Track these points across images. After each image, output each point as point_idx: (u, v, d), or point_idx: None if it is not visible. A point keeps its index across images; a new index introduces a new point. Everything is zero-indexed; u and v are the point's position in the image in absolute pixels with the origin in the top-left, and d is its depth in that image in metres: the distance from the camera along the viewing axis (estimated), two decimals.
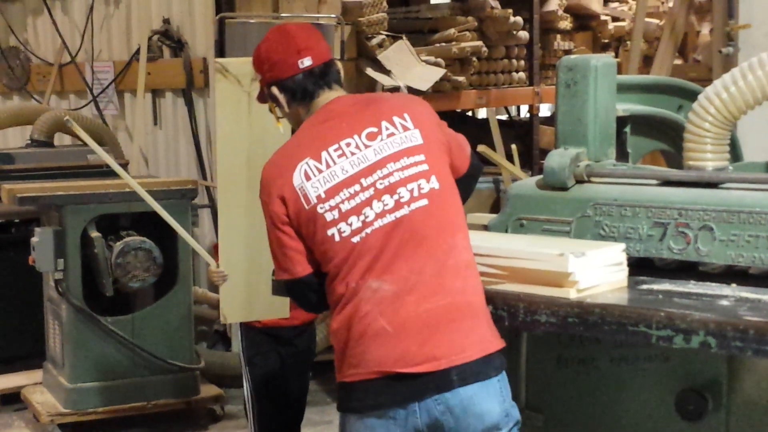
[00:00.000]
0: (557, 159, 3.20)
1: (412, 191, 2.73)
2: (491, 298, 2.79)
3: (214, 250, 4.11)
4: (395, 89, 6.32)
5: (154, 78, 7.28)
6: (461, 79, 7.23)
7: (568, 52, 9.01)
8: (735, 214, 2.85)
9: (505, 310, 2.79)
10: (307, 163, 2.75)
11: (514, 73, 8.16)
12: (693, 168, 3.11)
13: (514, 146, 7.27)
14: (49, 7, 7.78)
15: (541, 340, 3.20)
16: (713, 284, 2.82)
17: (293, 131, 3.48)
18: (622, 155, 3.44)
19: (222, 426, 5.79)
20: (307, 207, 2.73)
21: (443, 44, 7.25)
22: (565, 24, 9.23)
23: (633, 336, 2.59)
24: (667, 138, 3.75)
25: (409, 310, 2.67)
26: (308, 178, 2.74)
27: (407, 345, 2.65)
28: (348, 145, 2.76)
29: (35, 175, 6.19)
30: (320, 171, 2.74)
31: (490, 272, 2.86)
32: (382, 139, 2.76)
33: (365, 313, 2.68)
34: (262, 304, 3.75)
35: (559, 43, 9.20)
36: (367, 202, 2.71)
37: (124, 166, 6.64)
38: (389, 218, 2.70)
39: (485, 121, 8.45)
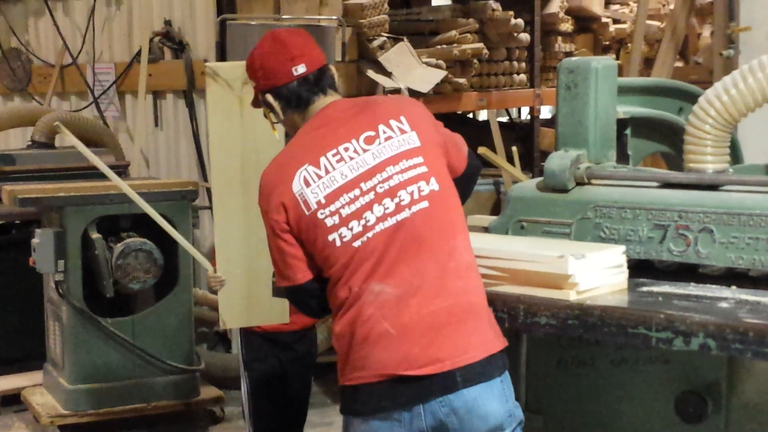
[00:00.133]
0: (558, 161, 3.20)
1: (412, 194, 2.73)
2: (491, 299, 2.79)
3: (213, 254, 4.10)
4: (396, 91, 6.33)
5: (156, 79, 7.28)
6: (462, 81, 7.23)
7: (569, 54, 9.02)
8: (735, 216, 2.85)
9: (505, 312, 2.79)
10: (306, 169, 2.75)
11: (515, 75, 8.17)
12: (693, 170, 3.11)
13: (514, 148, 7.27)
14: (51, 9, 7.78)
15: (541, 342, 3.20)
16: (713, 286, 2.82)
17: (288, 136, 3.48)
18: (622, 157, 3.45)
19: (222, 427, 5.79)
20: (307, 213, 2.73)
21: (444, 46, 7.26)
22: (566, 26, 9.23)
23: (633, 338, 2.59)
24: (667, 140, 3.75)
25: (412, 313, 2.67)
26: (308, 185, 2.74)
27: (411, 347, 2.66)
28: (346, 149, 2.76)
29: (36, 176, 6.19)
30: (319, 177, 2.74)
31: (490, 274, 2.86)
32: (380, 143, 2.76)
33: (368, 316, 2.68)
34: (262, 309, 3.74)
35: (560, 45, 9.20)
36: (368, 206, 2.71)
37: (125, 167, 6.67)
38: (390, 221, 2.71)
39: (486, 123, 8.46)
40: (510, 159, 7.24)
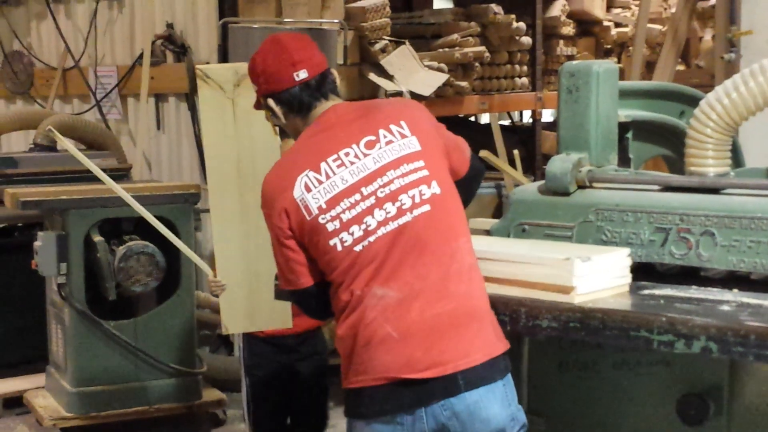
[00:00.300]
0: (559, 164, 3.21)
1: (413, 197, 2.73)
2: (493, 302, 2.79)
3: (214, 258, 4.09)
4: (398, 94, 6.34)
5: (158, 82, 7.29)
6: (464, 84, 7.24)
7: (570, 57, 9.04)
8: (736, 219, 2.85)
9: (507, 315, 2.79)
10: (307, 175, 2.76)
11: (516, 79, 8.18)
12: (695, 174, 3.12)
13: (516, 151, 7.28)
14: (53, 12, 7.80)
15: (543, 344, 3.20)
16: (715, 289, 2.82)
17: (283, 135, 3.48)
18: (624, 161, 3.45)
19: (224, 430, 5.79)
20: (308, 218, 2.74)
21: (446, 49, 7.27)
22: (568, 30, 9.25)
23: (634, 341, 2.60)
24: (668, 144, 3.76)
25: (414, 316, 2.67)
26: (309, 190, 2.74)
27: (413, 351, 2.66)
28: (347, 154, 2.76)
29: (38, 179, 6.20)
30: (320, 182, 2.74)
31: (495, 277, 2.86)
32: (380, 147, 2.76)
33: (371, 320, 2.69)
34: (264, 314, 3.73)
35: (562, 48, 9.22)
36: (368, 211, 2.72)
37: (127, 170, 6.68)
38: (392, 225, 2.71)
39: (488, 126, 8.46)
40: (512, 162, 7.24)
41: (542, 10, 8.38)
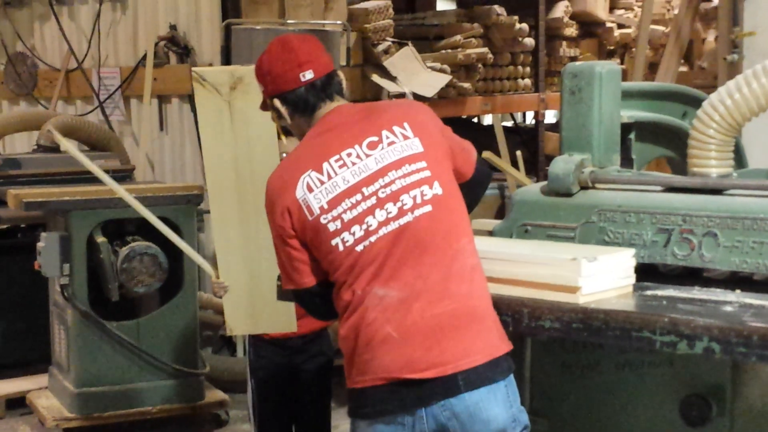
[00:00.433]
0: (562, 165, 3.21)
1: (415, 198, 2.73)
2: (495, 303, 2.79)
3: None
4: (401, 95, 6.34)
5: (161, 84, 7.30)
6: (467, 85, 7.25)
7: (573, 58, 9.05)
8: (739, 220, 2.85)
9: (510, 316, 2.79)
10: (309, 175, 2.76)
11: (519, 80, 8.18)
12: (697, 174, 3.12)
13: (519, 152, 7.28)
14: (56, 14, 7.80)
15: (546, 345, 3.21)
16: (717, 290, 2.82)
17: (285, 137, 3.47)
18: (626, 162, 3.45)
19: (227, 431, 5.79)
20: (310, 218, 2.74)
21: (449, 51, 7.28)
22: (571, 31, 9.26)
23: (637, 342, 2.60)
24: (671, 145, 3.76)
25: (415, 317, 2.67)
26: (310, 190, 2.75)
27: (413, 351, 2.66)
28: (349, 155, 2.77)
29: (42, 180, 6.20)
30: (322, 182, 2.75)
31: (499, 277, 2.86)
32: (383, 148, 2.77)
33: (372, 320, 2.69)
34: (268, 316, 3.72)
35: (565, 49, 9.23)
36: (370, 211, 2.72)
37: (130, 171, 6.69)
38: (393, 226, 2.71)
39: (490, 127, 8.47)
40: (514, 163, 7.25)
41: (545, 11, 8.38)
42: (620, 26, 10.22)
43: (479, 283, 2.76)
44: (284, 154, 3.76)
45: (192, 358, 5.67)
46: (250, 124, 3.47)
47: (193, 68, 3.49)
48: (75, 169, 6.30)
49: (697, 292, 2.82)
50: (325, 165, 2.76)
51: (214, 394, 5.80)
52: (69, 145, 4.11)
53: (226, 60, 6.26)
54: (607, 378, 3.13)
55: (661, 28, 9.91)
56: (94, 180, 5.89)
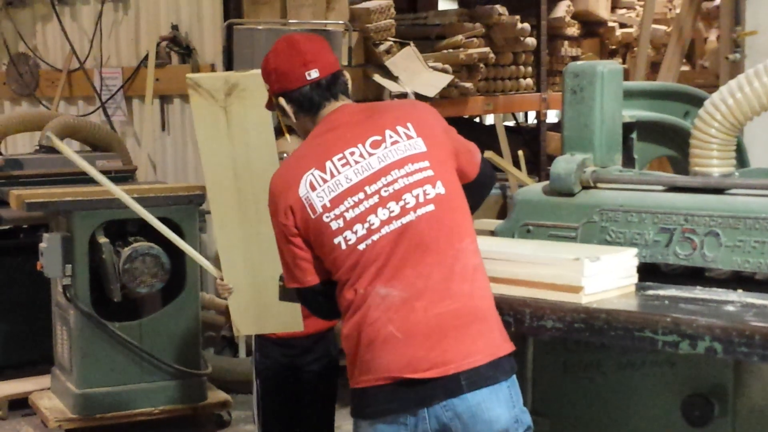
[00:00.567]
0: (563, 165, 3.21)
1: (417, 197, 2.73)
2: (498, 303, 2.79)
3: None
4: (402, 95, 6.33)
5: (163, 84, 7.30)
6: (468, 85, 7.24)
7: (575, 58, 9.04)
8: (741, 220, 2.85)
9: (511, 316, 2.79)
10: (312, 173, 2.76)
11: (521, 80, 8.17)
12: (699, 174, 3.12)
13: (521, 152, 7.28)
14: (58, 14, 7.81)
15: (548, 345, 3.21)
16: (719, 290, 2.82)
17: (278, 134, 3.47)
18: (628, 161, 3.45)
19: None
20: (313, 217, 2.74)
21: (451, 50, 7.27)
22: (573, 30, 9.25)
23: (639, 341, 2.60)
24: (673, 144, 3.76)
25: (417, 316, 2.67)
26: (313, 189, 2.75)
27: (415, 351, 2.66)
28: (352, 154, 2.77)
29: (44, 180, 6.21)
30: (325, 181, 2.75)
31: (502, 277, 2.85)
32: (386, 147, 2.77)
33: (374, 319, 2.69)
34: (274, 316, 3.72)
35: (567, 49, 9.22)
36: (372, 210, 2.72)
37: (132, 172, 6.69)
38: (395, 225, 2.71)
39: (492, 127, 8.46)
40: (516, 163, 7.25)
41: (547, 10, 8.36)
42: (622, 26, 10.21)
43: (481, 283, 2.76)
44: (285, 154, 3.77)
45: (194, 358, 5.68)
46: (247, 128, 3.47)
47: (188, 75, 3.48)
48: (77, 169, 6.24)
49: (699, 292, 2.82)
50: (328, 164, 2.76)
51: (217, 395, 5.80)
52: (67, 149, 4.12)
53: (228, 60, 6.26)
54: (609, 378, 3.13)
55: (662, 27, 9.90)
56: (95, 180, 5.92)
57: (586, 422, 3.18)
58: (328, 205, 2.73)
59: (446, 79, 6.83)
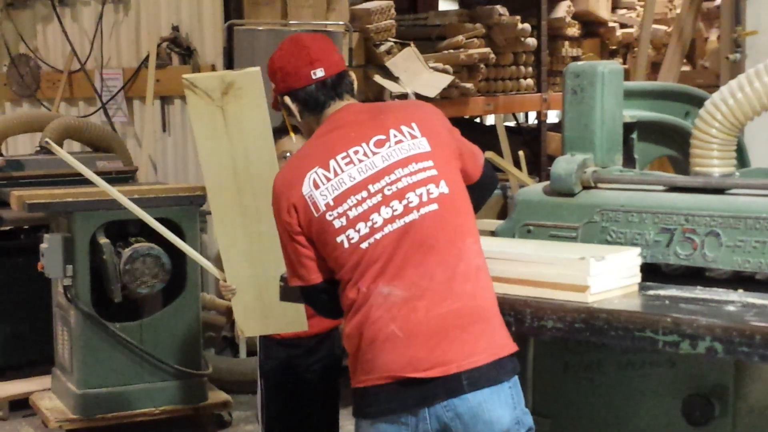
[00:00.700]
0: (564, 165, 3.21)
1: (421, 196, 2.73)
2: (498, 303, 2.78)
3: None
4: (403, 96, 6.34)
5: (163, 85, 7.30)
6: (469, 85, 7.24)
7: (575, 58, 9.04)
8: (742, 220, 2.85)
9: (512, 316, 2.79)
10: (315, 172, 2.76)
11: (521, 80, 8.18)
12: (700, 174, 3.11)
13: (521, 152, 7.27)
14: (59, 15, 7.82)
15: (548, 345, 3.20)
16: (720, 290, 2.81)
17: (276, 133, 3.47)
18: (629, 161, 3.45)
19: None
20: (316, 215, 2.74)
21: (451, 51, 7.27)
22: (573, 31, 9.25)
23: (639, 341, 2.59)
24: (674, 144, 3.76)
25: (419, 316, 2.67)
26: (317, 187, 2.75)
27: (417, 350, 2.66)
28: (356, 152, 2.77)
29: (45, 181, 6.21)
30: (328, 179, 2.75)
31: (505, 277, 2.85)
32: (390, 146, 2.77)
33: (376, 318, 2.69)
34: (278, 316, 3.72)
35: (567, 49, 9.22)
36: (375, 208, 2.72)
37: (133, 172, 6.69)
38: (398, 223, 2.71)
39: (493, 127, 8.46)
40: (517, 163, 7.24)
41: (547, 11, 8.37)
42: (622, 26, 10.21)
43: (484, 283, 2.75)
44: (288, 154, 3.77)
45: (195, 359, 5.68)
46: (244, 128, 3.46)
47: (183, 75, 3.48)
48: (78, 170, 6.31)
49: (700, 292, 2.81)
50: (332, 162, 2.76)
51: (217, 395, 5.80)
52: (65, 154, 4.12)
53: (229, 61, 6.27)
54: (609, 378, 3.13)
55: (663, 27, 9.90)
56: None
57: (587, 422, 3.18)
58: (331, 203, 2.73)
59: (447, 79, 6.84)
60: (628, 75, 7.71)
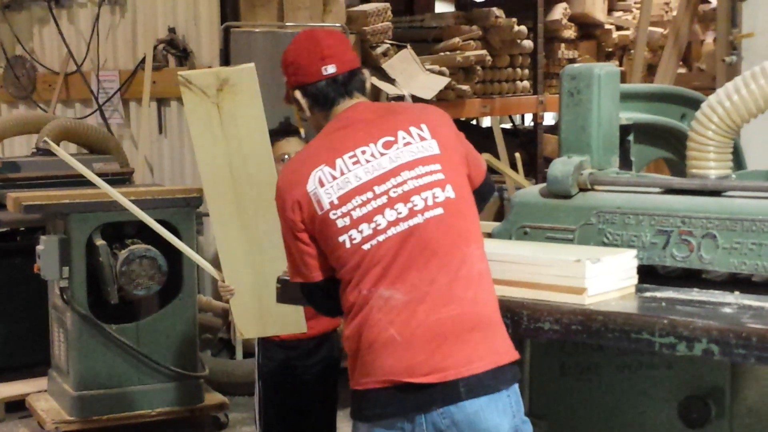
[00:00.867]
0: (561, 167, 3.21)
1: (426, 200, 2.71)
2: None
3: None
4: (399, 98, 6.34)
5: (160, 87, 7.30)
6: (465, 87, 7.25)
7: (572, 60, 9.06)
8: (738, 222, 2.85)
9: (509, 318, 2.78)
10: (321, 169, 2.75)
11: (518, 82, 8.19)
12: (696, 176, 3.12)
13: (517, 154, 7.29)
14: (55, 17, 7.80)
15: (545, 347, 3.21)
16: (716, 292, 2.82)
17: (274, 133, 3.45)
18: (625, 163, 3.45)
19: None
20: (319, 213, 2.73)
21: (447, 53, 7.28)
22: (570, 33, 9.27)
23: (636, 343, 2.59)
24: (670, 146, 3.76)
25: (419, 320, 2.65)
26: (322, 185, 2.73)
27: (416, 355, 2.63)
28: (363, 152, 2.75)
29: (41, 183, 6.21)
30: (334, 178, 2.74)
31: (503, 278, 2.85)
32: (398, 148, 2.75)
33: (376, 321, 2.67)
34: (277, 318, 3.71)
35: (563, 51, 9.24)
36: (379, 210, 2.70)
37: (129, 174, 6.69)
38: (402, 226, 2.69)
39: (489, 129, 8.47)
40: (513, 165, 7.26)
41: (543, 13, 8.39)
42: (619, 28, 10.23)
43: (486, 289, 2.73)
44: (287, 157, 3.77)
45: (191, 360, 5.67)
46: (240, 124, 3.45)
47: (179, 72, 3.47)
48: (74, 172, 6.23)
49: (696, 294, 2.82)
50: (339, 161, 2.75)
51: (214, 397, 5.80)
52: (65, 154, 4.12)
53: (225, 63, 6.26)
54: (606, 380, 3.13)
55: (659, 29, 9.91)
56: (92, 183, 5.92)
57: (584, 424, 3.18)
58: (336, 202, 2.72)
59: (443, 81, 6.85)
60: (624, 77, 7.72)
